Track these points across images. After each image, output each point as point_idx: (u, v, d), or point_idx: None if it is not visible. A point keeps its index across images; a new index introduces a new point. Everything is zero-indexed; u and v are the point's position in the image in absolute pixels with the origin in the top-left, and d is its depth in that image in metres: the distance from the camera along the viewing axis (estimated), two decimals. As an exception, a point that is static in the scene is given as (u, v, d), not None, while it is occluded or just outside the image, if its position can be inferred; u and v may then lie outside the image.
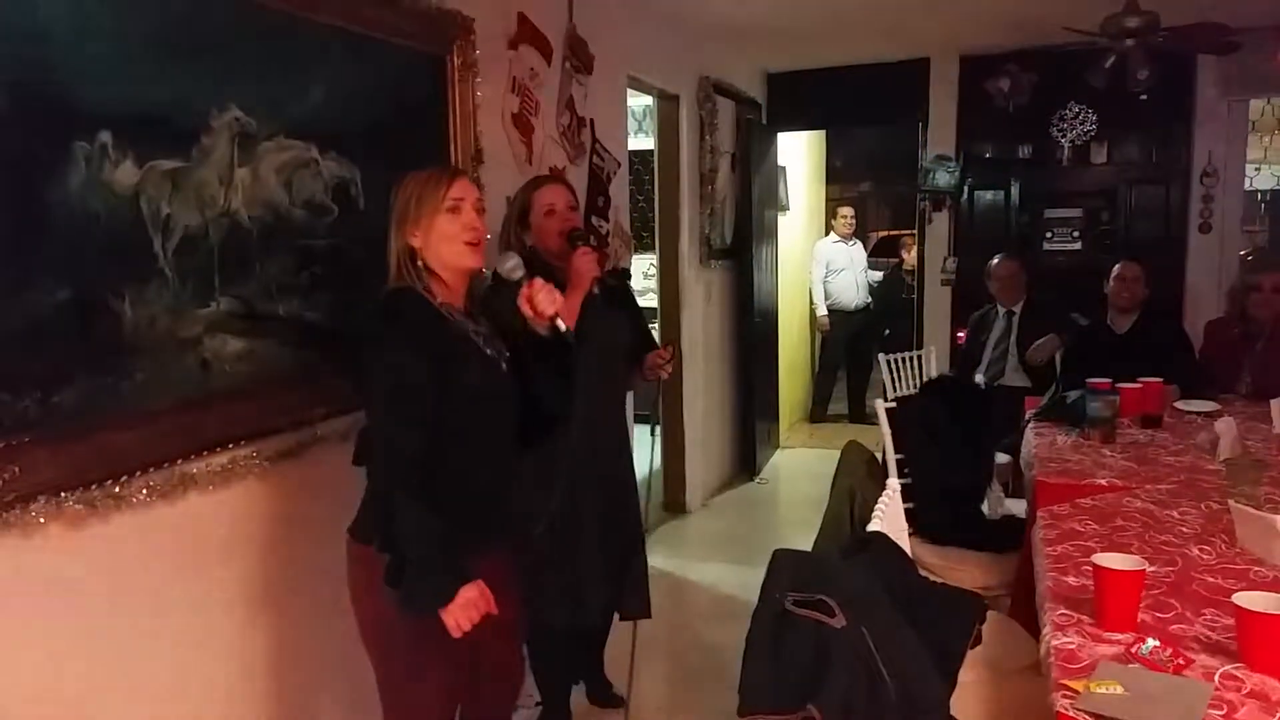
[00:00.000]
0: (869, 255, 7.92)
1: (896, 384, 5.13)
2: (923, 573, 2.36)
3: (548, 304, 1.98)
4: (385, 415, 1.85)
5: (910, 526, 2.70)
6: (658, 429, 5.41)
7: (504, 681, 2.21)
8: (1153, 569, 1.83)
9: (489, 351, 1.98)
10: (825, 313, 7.24)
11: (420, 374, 1.83)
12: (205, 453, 2.07)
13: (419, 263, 1.93)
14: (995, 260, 4.87)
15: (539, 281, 2.00)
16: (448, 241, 1.93)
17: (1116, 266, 4.21)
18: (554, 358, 2.03)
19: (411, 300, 1.91)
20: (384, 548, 1.81)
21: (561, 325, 2.01)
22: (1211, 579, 1.88)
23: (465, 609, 1.81)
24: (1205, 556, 2.01)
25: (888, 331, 7.00)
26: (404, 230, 1.93)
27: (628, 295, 2.91)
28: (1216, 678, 1.47)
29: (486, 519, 2.00)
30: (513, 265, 2.11)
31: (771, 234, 6.29)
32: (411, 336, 1.85)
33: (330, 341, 2.34)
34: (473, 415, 1.92)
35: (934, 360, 5.29)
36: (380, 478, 1.87)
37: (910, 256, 7.09)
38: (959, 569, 2.91)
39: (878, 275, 7.93)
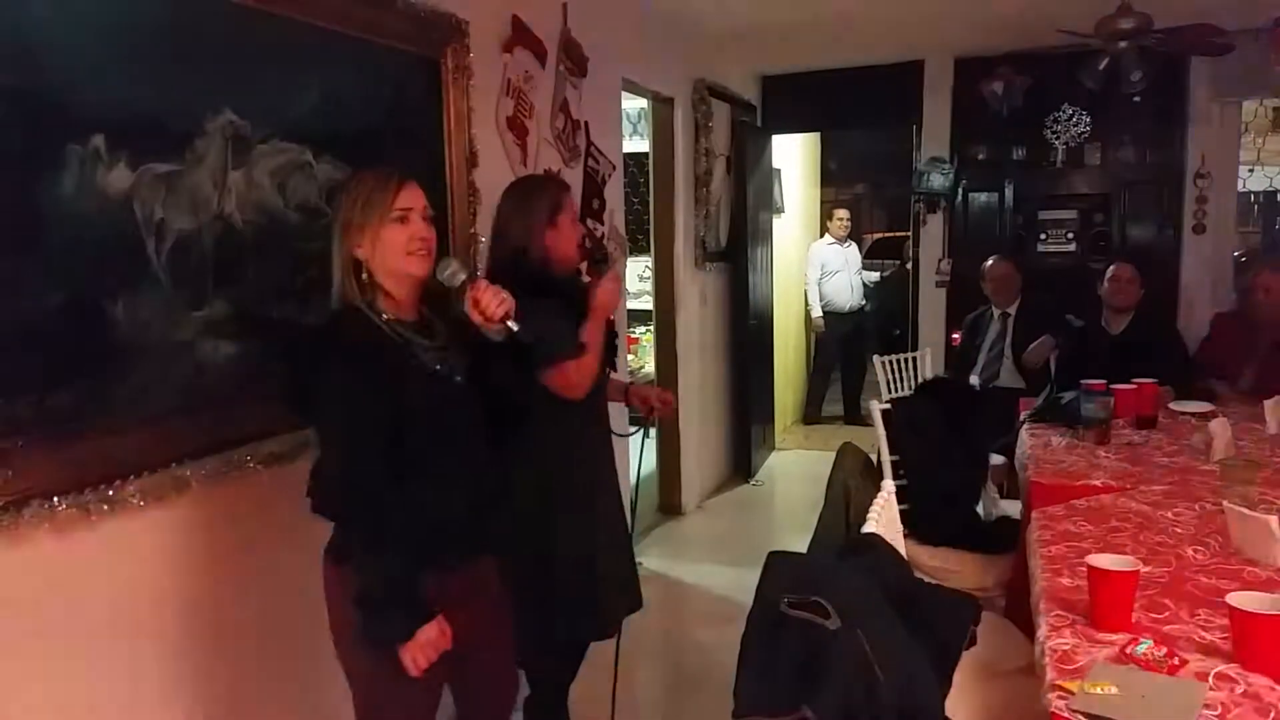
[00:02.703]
0: (864, 257, 7.93)
1: (892, 385, 5.13)
2: (918, 574, 2.36)
3: (496, 306, 1.89)
4: (340, 447, 1.79)
5: (905, 528, 2.70)
6: (653, 431, 5.42)
7: (498, 690, 2.19)
8: (1147, 569, 1.84)
9: (439, 367, 1.89)
10: (820, 314, 7.24)
11: (372, 402, 1.75)
12: (199, 456, 2.06)
13: (364, 276, 1.85)
14: (989, 262, 4.88)
15: (484, 283, 1.92)
16: (395, 253, 1.84)
17: (1111, 268, 4.23)
18: (517, 360, 1.97)
19: (356, 323, 1.83)
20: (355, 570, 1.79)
21: (515, 326, 1.91)
22: (1206, 579, 1.88)
23: (424, 649, 1.77)
24: (1199, 557, 2.01)
25: (898, 332, 6.96)
26: (349, 241, 1.84)
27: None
28: (1211, 678, 1.47)
29: (458, 537, 1.93)
30: (453, 270, 1.94)
31: (766, 236, 6.29)
32: (359, 363, 1.77)
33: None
34: (428, 438, 1.84)
35: (929, 361, 5.30)
36: (339, 512, 1.80)
37: None
38: (954, 570, 2.91)
39: (874, 276, 7.94)
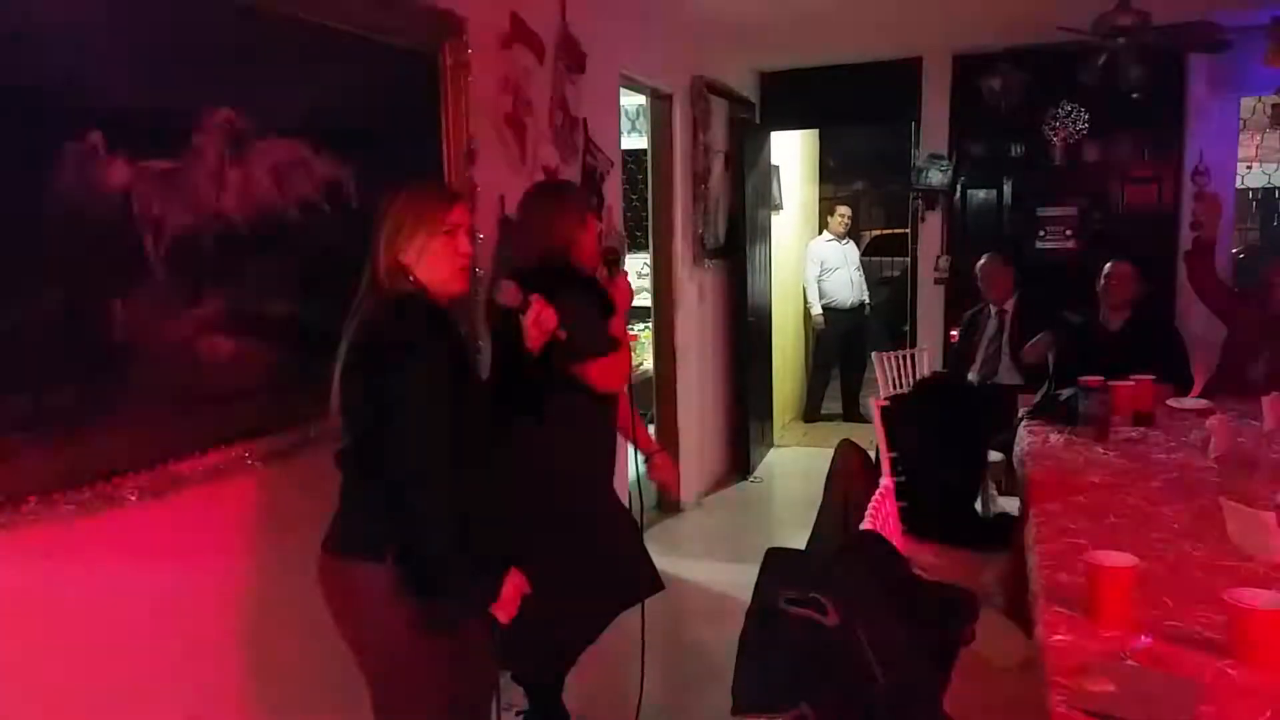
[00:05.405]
0: (862, 254, 7.91)
1: (891, 383, 5.13)
2: (916, 570, 2.36)
3: (551, 318, 2.09)
4: (417, 421, 1.81)
5: (904, 525, 2.70)
6: (652, 428, 5.44)
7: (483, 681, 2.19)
8: (1145, 566, 1.84)
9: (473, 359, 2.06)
10: (819, 311, 7.24)
11: (446, 378, 1.84)
12: (196, 453, 2.06)
13: (410, 278, 1.91)
14: (981, 260, 4.89)
15: (540, 300, 2.09)
16: (441, 265, 1.92)
17: (1108, 265, 4.23)
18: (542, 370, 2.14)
19: (424, 305, 1.90)
20: (404, 558, 1.81)
21: (563, 334, 2.12)
22: (1203, 575, 1.89)
23: (515, 598, 1.90)
24: (1197, 553, 2.02)
25: (906, 327, 6.94)
26: (395, 247, 1.90)
27: None
28: (1208, 674, 1.48)
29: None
30: (510, 295, 2.12)
31: (765, 233, 6.29)
32: (435, 341, 1.85)
33: (328, 345, 2.24)
34: (463, 422, 1.90)
35: (927, 359, 5.30)
36: (408, 485, 1.81)
37: None
38: (952, 567, 2.91)
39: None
